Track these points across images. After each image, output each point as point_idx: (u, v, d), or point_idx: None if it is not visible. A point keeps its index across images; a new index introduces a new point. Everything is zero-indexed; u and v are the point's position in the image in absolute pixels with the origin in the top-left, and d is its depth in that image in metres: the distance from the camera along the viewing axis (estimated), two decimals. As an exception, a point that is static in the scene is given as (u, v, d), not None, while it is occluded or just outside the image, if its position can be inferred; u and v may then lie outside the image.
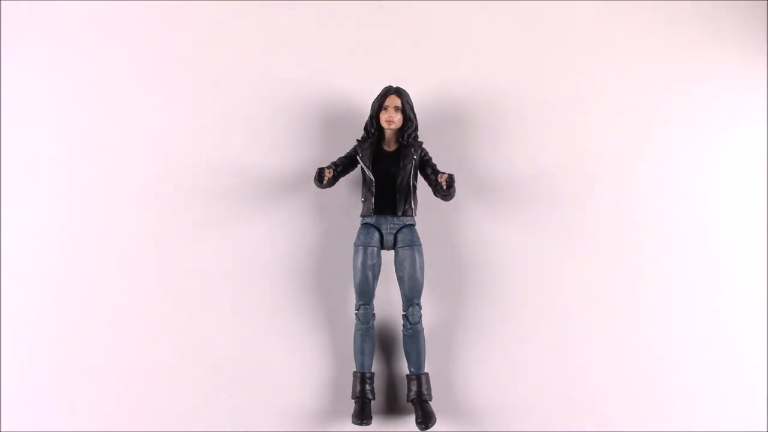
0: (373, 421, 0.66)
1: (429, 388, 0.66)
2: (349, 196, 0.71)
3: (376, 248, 0.67)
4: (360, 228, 0.68)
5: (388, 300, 0.70)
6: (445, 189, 0.65)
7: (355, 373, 0.67)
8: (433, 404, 0.66)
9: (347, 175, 0.69)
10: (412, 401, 0.66)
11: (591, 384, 0.68)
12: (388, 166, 0.68)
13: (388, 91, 0.68)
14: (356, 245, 0.67)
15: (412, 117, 0.68)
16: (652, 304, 0.70)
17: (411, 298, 0.66)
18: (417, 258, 0.66)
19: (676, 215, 0.72)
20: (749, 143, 0.76)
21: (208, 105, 0.72)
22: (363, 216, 0.68)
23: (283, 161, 0.72)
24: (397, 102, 0.67)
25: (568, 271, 0.73)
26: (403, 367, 0.67)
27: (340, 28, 0.73)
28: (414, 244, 0.66)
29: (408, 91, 0.68)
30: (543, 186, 0.75)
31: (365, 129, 0.69)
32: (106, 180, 0.71)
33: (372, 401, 0.67)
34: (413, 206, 0.67)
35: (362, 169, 0.67)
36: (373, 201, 0.67)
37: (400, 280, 0.67)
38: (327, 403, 0.69)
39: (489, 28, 0.72)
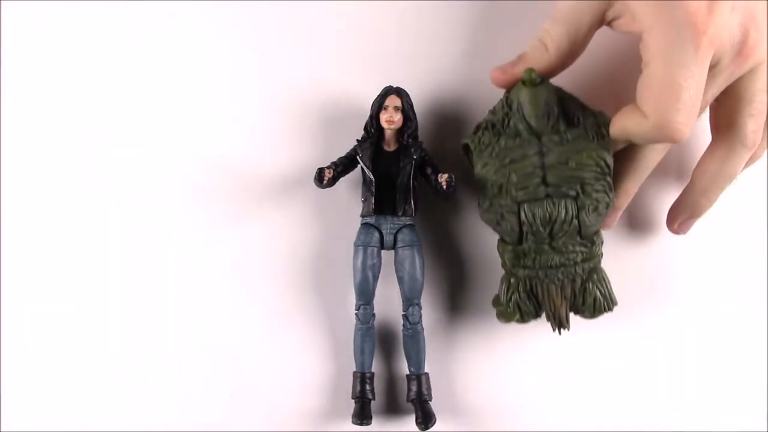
0: (373, 421, 0.65)
1: (429, 388, 0.65)
2: (349, 196, 0.71)
3: (376, 248, 0.66)
4: (360, 228, 0.67)
5: (388, 300, 0.69)
6: (445, 189, 0.65)
7: (355, 373, 0.66)
8: (433, 404, 0.65)
9: (347, 175, 0.69)
10: (412, 401, 0.65)
11: (591, 384, 0.68)
12: (388, 166, 0.67)
13: (388, 91, 0.67)
14: (356, 245, 0.67)
15: (412, 117, 0.67)
16: (652, 303, 0.69)
17: (411, 298, 0.65)
18: (417, 258, 0.65)
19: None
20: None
21: (207, 105, 0.72)
22: (363, 216, 0.67)
23: (283, 161, 0.71)
24: (397, 102, 0.67)
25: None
26: (403, 367, 0.67)
27: (340, 28, 0.73)
28: (414, 244, 0.65)
29: (408, 91, 0.68)
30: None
31: (365, 129, 0.68)
32: (104, 179, 0.71)
33: (372, 401, 0.65)
34: (413, 206, 0.67)
35: (362, 169, 0.67)
36: (373, 201, 0.66)
37: (400, 280, 0.66)
38: (327, 403, 0.69)
39: (489, 27, 0.72)
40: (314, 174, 0.65)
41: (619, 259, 0.65)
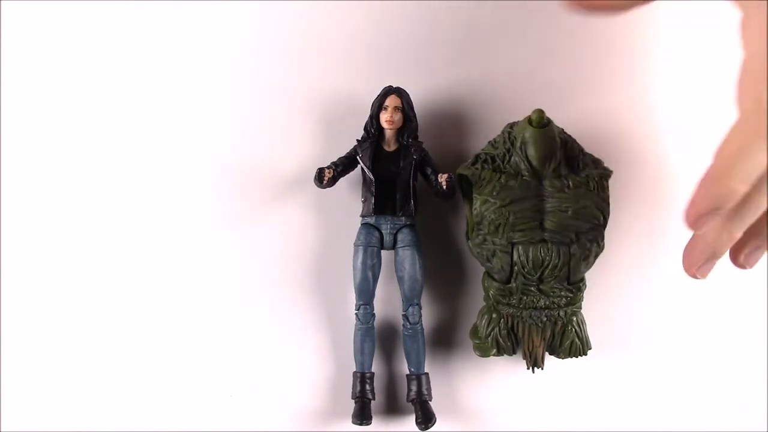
0: (373, 421, 0.65)
1: (429, 388, 0.65)
2: (349, 196, 0.71)
3: (376, 248, 0.66)
4: (360, 228, 0.67)
5: (388, 300, 0.69)
6: (445, 189, 0.65)
7: (355, 373, 0.66)
8: (433, 404, 0.66)
9: (347, 175, 0.69)
10: (412, 401, 0.65)
11: (591, 383, 0.68)
12: (388, 166, 0.67)
13: (388, 91, 0.67)
14: (356, 245, 0.67)
15: (412, 117, 0.67)
16: (652, 302, 0.69)
17: (411, 298, 0.65)
18: (417, 258, 0.65)
19: (674, 214, 0.71)
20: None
21: (207, 105, 0.72)
22: (363, 216, 0.67)
23: (283, 161, 0.71)
24: (397, 102, 0.67)
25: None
26: (403, 367, 0.67)
27: (341, 28, 0.73)
28: (414, 244, 0.65)
29: (408, 91, 0.68)
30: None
31: (365, 129, 0.68)
32: (104, 180, 0.71)
33: (372, 401, 0.65)
34: (413, 206, 0.67)
35: (362, 169, 0.67)
36: (373, 201, 0.65)
37: (400, 280, 0.66)
38: (327, 403, 0.69)
39: (489, 27, 0.72)
40: (314, 174, 0.66)
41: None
